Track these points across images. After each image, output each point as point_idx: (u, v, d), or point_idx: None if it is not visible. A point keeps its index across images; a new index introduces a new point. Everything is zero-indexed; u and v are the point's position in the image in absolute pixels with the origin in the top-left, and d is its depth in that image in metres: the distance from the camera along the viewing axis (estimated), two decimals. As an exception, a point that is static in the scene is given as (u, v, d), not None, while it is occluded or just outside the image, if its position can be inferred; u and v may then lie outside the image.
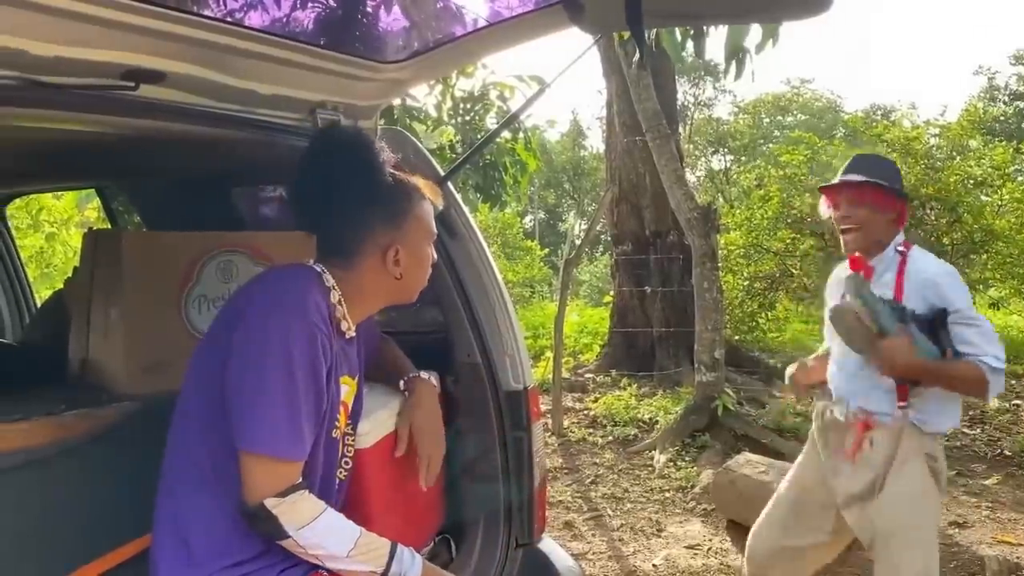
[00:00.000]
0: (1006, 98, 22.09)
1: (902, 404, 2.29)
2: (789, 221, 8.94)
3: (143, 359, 1.94)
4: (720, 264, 6.85)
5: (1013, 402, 7.12)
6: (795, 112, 30.54)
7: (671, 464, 5.40)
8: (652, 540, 4.35)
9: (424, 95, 5.55)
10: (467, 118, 5.41)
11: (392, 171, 1.52)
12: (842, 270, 2.50)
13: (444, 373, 2.00)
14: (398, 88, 1.88)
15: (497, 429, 1.98)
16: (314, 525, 1.35)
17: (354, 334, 1.57)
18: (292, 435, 1.33)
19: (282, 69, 1.62)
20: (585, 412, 6.70)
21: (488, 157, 5.52)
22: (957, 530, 4.35)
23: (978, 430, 6.23)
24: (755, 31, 2.99)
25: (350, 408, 1.58)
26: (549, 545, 2.10)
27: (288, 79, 1.66)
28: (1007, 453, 5.64)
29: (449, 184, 2.03)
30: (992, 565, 3.77)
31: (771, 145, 25.58)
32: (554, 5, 1.61)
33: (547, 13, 1.65)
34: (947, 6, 70.63)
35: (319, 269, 1.48)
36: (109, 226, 3.81)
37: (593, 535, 4.43)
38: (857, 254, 2.39)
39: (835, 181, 2.45)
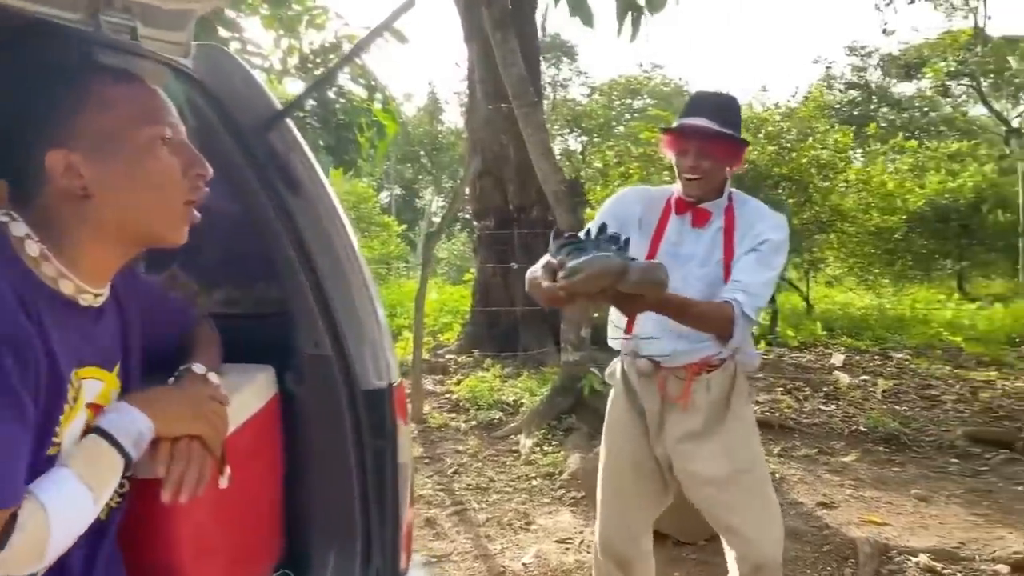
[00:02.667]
0: (842, 86, 23.43)
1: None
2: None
3: None
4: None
5: (861, 377, 7.36)
6: (644, 96, 31.27)
7: (537, 449, 5.12)
8: (521, 535, 4.03)
9: (269, 47, 4.95)
10: (317, 72, 4.85)
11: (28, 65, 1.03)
12: (642, 194, 2.40)
13: (283, 368, 1.56)
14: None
15: (352, 438, 1.55)
16: (50, 553, 0.94)
17: (99, 303, 1.09)
18: None
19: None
20: (447, 396, 6.32)
21: (341, 117, 4.98)
22: (825, 511, 4.30)
23: (833, 406, 6.35)
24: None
25: None
26: (418, 577, 1.70)
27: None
28: (863, 429, 5.74)
29: (291, 124, 1.57)
30: (864, 548, 3.70)
31: (623, 128, 26.06)
32: None
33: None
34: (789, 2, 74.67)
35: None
36: None
37: (457, 532, 4.06)
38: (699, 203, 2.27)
39: (684, 124, 2.21)
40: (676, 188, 2.30)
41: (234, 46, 4.32)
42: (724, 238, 2.24)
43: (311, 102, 4.84)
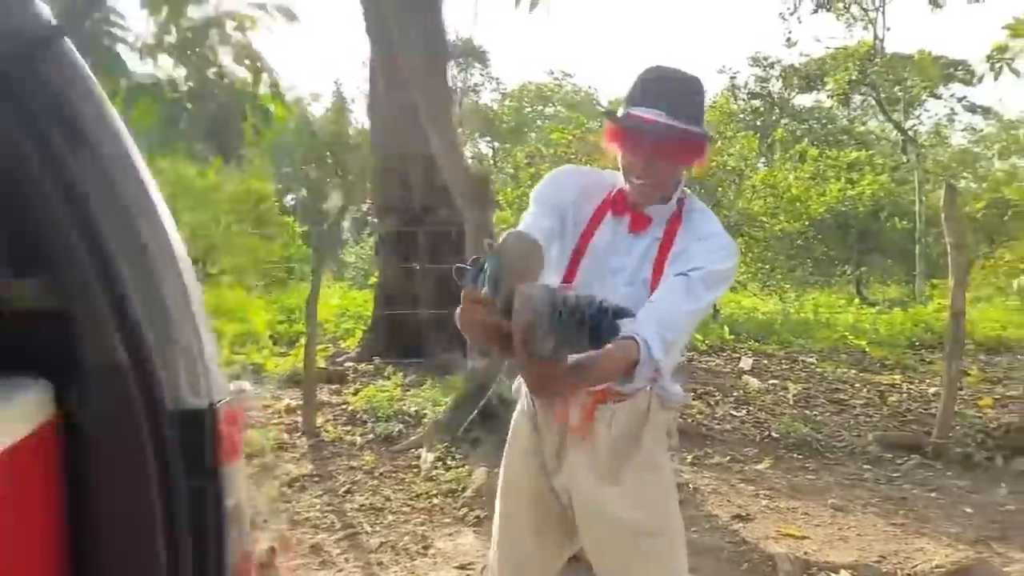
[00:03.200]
0: (745, 96, 23.93)
1: None
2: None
3: None
4: (494, 241, 6.30)
5: (770, 382, 7.27)
6: (555, 104, 31.33)
7: (440, 464, 4.75)
8: (417, 560, 3.65)
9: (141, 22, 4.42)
10: (194, 50, 4.35)
11: None
12: (581, 176, 1.96)
13: (62, 383, 1.15)
14: None
15: (157, 476, 1.15)
16: None
17: None
18: None
19: None
20: (343, 407, 5.87)
21: (222, 100, 4.49)
22: (741, 524, 4.08)
23: (744, 412, 6.19)
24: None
25: None
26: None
27: None
28: (775, 435, 5.59)
29: (72, 47, 1.17)
30: (784, 565, 3.48)
31: (534, 134, 25.99)
32: None
33: None
34: (693, 8, 76.57)
35: None
36: None
37: (346, 559, 3.65)
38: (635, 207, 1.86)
39: (637, 116, 1.75)
40: (622, 180, 1.86)
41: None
42: (658, 253, 1.83)
43: (188, 82, 4.35)
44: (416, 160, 7.47)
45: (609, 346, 1.40)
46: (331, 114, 25.20)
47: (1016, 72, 4.94)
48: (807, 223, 12.24)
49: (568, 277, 1.86)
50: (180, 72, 4.32)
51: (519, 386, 2.02)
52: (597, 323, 1.31)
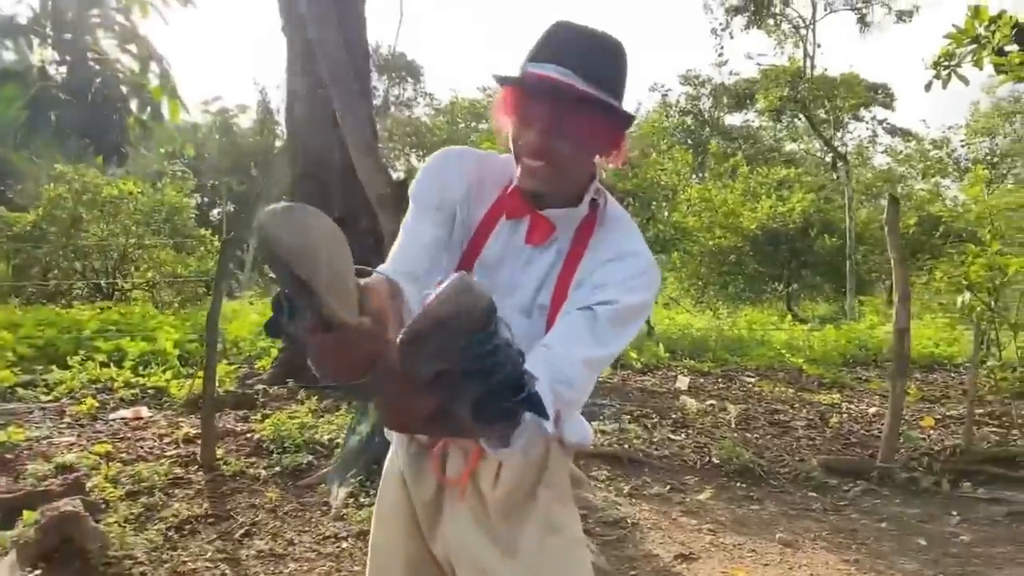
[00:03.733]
0: (676, 114, 24.04)
1: None
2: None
3: None
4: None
5: (708, 402, 6.97)
6: (487, 119, 31.09)
7: (352, 500, 4.25)
8: (321, 619, 3.16)
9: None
10: (72, 35, 3.80)
11: None
12: (472, 161, 1.49)
13: None
14: None
15: None
16: None
17: None
18: None
19: None
20: (248, 435, 5.31)
21: (103, 92, 3.93)
22: (685, 565, 3.70)
23: (683, 435, 5.85)
24: None
25: None
26: None
27: None
28: (716, 461, 5.25)
29: None
30: (735, 615, 3.11)
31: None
32: None
33: None
34: (626, 24, 77.69)
35: None
36: None
37: (236, 620, 3.14)
38: (528, 201, 1.42)
39: (533, 73, 1.32)
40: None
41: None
42: (561, 270, 1.42)
43: (61, 70, 3.79)
44: (335, 167, 6.98)
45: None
46: (256, 125, 24.39)
47: (963, 79, 4.77)
48: (740, 239, 12.13)
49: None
50: (51, 55, 3.75)
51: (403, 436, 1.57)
52: (516, 384, 0.91)
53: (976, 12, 5.04)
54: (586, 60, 1.32)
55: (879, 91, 22.41)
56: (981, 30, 5.02)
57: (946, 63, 4.74)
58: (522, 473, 1.45)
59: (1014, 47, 4.86)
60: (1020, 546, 4.07)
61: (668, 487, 4.84)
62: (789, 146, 23.30)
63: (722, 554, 3.85)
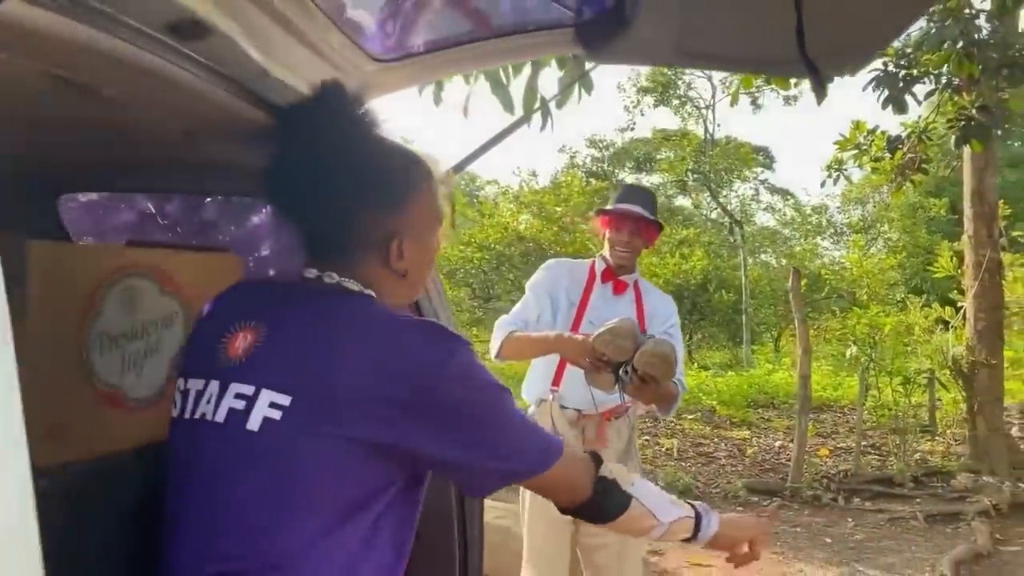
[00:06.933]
0: (583, 175, 25.68)
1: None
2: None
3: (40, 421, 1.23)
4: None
5: (644, 438, 8.11)
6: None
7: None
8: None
9: None
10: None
11: (388, 139, 1.18)
12: (567, 267, 2.84)
13: None
14: (376, 91, 1.47)
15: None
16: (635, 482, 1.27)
17: None
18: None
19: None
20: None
21: None
22: (657, 558, 4.77)
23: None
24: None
25: None
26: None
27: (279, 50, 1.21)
28: (662, 484, 6.37)
29: None
30: (703, 587, 4.18)
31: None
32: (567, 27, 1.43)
33: (557, 34, 1.46)
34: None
35: (356, 288, 1.12)
36: None
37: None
38: (619, 275, 2.76)
39: (623, 208, 2.68)
40: (599, 260, 2.77)
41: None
42: (636, 306, 2.75)
43: None
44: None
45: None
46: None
47: (849, 179, 6.17)
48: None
49: (575, 327, 2.65)
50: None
51: (534, 413, 2.73)
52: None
53: (857, 125, 6.50)
54: (645, 201, 2.73)
55: (760, 153, 24.84)
56: (861, 139, 6.46)
57: (836, 168, 6.15)
58: (627, 429, 2.71)
59: (887, 155, 6.30)
60: (898, 541, 5.33)
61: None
62: (687, 207, 25.29)
63: (683, 550, 4.93)
